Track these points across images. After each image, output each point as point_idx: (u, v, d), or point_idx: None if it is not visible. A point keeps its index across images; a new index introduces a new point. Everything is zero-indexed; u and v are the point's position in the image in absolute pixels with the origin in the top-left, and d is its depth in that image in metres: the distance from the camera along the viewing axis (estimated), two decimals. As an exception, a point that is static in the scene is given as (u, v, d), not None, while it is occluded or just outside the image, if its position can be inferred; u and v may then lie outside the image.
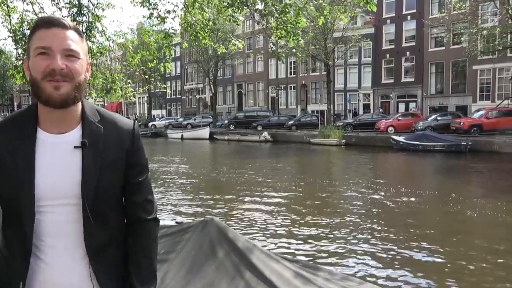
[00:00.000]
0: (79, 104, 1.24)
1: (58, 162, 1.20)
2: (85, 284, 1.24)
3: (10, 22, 6.26)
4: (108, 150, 1.24)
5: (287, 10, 5.52)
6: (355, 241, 6.88)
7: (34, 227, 1.18)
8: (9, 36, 6.39)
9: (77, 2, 6.32)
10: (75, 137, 1.22)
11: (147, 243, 1.34)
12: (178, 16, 6.33)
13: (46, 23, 1.17)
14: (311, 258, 6.01)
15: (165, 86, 41.14)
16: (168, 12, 6.25)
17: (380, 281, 5.26)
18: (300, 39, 5.75)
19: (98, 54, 6.73)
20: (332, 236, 7.22)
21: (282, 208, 9.38)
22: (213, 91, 42.33)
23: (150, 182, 1.39)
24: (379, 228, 7.70)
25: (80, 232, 1.22)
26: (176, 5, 6.27)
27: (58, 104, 1.16)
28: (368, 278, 5.29)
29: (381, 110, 33.59)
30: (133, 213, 1.34)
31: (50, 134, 1.21)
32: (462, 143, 20.44)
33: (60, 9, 6.43)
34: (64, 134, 1.22)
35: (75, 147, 1.20)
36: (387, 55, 34.50)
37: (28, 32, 6.41)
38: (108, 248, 1.27)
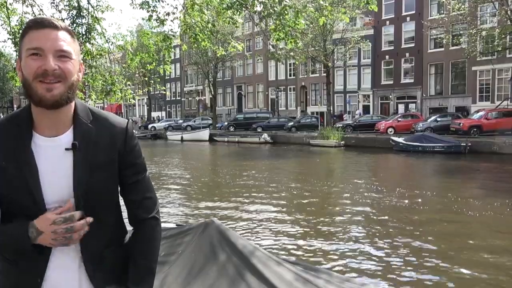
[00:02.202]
0: (72, 104, 1.23)
1: (52, 166, 1.19)
2: (86, 286, 1.23)
3: (9, 24, 6.27)
4: (100, 150, 1.23)
5: (286, 12, 5.52)
6: (356, 243, 6.87)
7: None
8: (8, 38, 6.40)
9: (76, 5, 6.33)
10: (67, 140, 1.21)
11: (147, 242, 1.33)
12: (177, 18, 6.34)
13: (37, 24, 1.16)
14: (312, 260, 6.00)
15: (164, 88, 41.19)
16: (168, 14, 6.26)
17: (381, 283, 5.26)
18: (298, 41, 5.76)
19: (98, 56, 6.74)
20: (333, 237, 7.21)
21: (282, 210, 9.36)
22: (212, 93, 42.34)
23: (150, 180, 1.38)
24: (380, 229, 7.69)
25: None
26: (176, 7, 6.28)
27: (50, 105, 1.15)
28: (369, 280, 5.28)
29: (359, 111, 34.21)
30: (132, 211, 1.33)
31: (44, 137, 1.21)
32: (462, 144, 20.45)
33: (60, 11, 6.45)
34: (57, 137, 1.21)
35: (66, 149, 1.20)
36: (387, 57, 34.54)
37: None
38: (104, 250, 1.26)
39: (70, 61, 1.18)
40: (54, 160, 1.19)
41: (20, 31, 6.48)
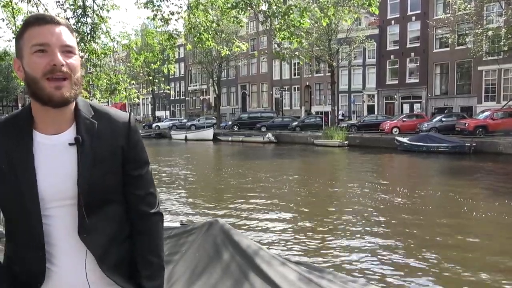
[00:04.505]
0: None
1: (56, 163, 1.18)
2: (93, 284, 1.23)
3: (14, 24, 6.29)
4: (103, 144, 1.22)
5: (291, 11, 5.52)
6: (360, 243, 6.85)
7: (44, 232, 1.17)
8: (13, 38, 6.42)
9: (81, 4, 6.35)
10: (70, 136, 1.20)
11: (153, 238, 1.33)
12: (182, 17, 6.34)
13: (39, 20, 1.14)
14: (316, 260, 5.99)
15: (168, 87, 41.20)
16: (172, 13, 6.26)
17: (384, 283, 5.24)
18: (303, 41, 5.75)
19: (102, 55, 6.75)
20: (336, 238, 7.20)
21: (286, 210, 9.36)
22: (217, 92, 42.37)
23: (152, 175, 1.36)
24: (383, 230, 7.67)
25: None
26: (180, 7, 6.27)
27: (60, 103, 1.14)
28: (373, 280, 5.26)
29: (341, 112, 34.46)
30: (136, 207, 1.31)
31: (46, 135, 1.19)
32: (466, 144, 20.34)
33: (65, 11, 6.46)
34: (60, 134, 1.20)
35: (69, 144, 1.18)
36: (392, 56, 34.41)
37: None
38: (112, 246, 1.25)
39: (74, 56, 1.17)
40: (56, 157, 1.18)
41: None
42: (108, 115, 1.27)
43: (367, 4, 5.98)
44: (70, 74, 1.14)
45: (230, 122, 39.26)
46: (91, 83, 7.04)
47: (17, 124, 1.20)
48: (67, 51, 1.15)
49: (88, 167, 1.19)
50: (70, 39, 1.16)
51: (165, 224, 1.42)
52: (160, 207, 1.38)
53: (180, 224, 4.12)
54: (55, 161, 1.18)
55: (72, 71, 1.15)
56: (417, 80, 33.10)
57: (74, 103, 1.22)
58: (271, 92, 43.96)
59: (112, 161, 1.24)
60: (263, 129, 33.58)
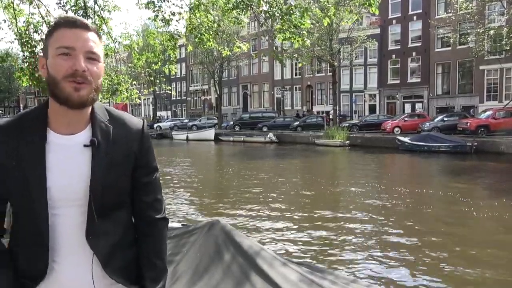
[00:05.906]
0: None
1: (69, 163, 1.19)
2: (99, 285, 1.23)
3: (16, 25, 6.30)
4: (117, 149, 1.24)
5: (291, 11, 5.51)
6: (362, 244, 6.85)
7: (50, 231, 1.18)
8: (15, 39, 6.43)
9: (83, 5, 6.35)
10: (85, 137, 1.21)
11: (159, 242, 1.35)
12: (183, 18, 6.35)
13: (69, 22, 1.15)
14: (318, 261, 5.98)
15: (170, 88, 41.24)
16: (173, 14, 6.26)
17: (386, 284, 5.23)
18: (305, 39, 5.74)
19: (104, 56, 6.75)
20: (338, 238, 7.19)
21: (288, 210, 9.35)
22: (218, 93, 42.39)
23: (159, 181, 1.39)
24: (385, 230, 7.65)
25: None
26: (181, 7, 6.28)
27: (77, 105, 1.15)
28: (375, 281, 5.25)
29: (320, 117, 34.40)
30: (143, 212, 1.33)
31: (61, 135, 1.20)
32: (467, 143, 20.30)
33: (66, 12, 6.46)
34: (75, 134, 1.21)
35: (84, 145, 1.20)
36: (393, 56, 34.39)
37: (34, 35, 6.45)
38: (118, 249, 1.26)
39: (98, 64, 1.18)
40: (70, 157, 1.19)
41: (27, 32, 6.49)
42: (123, 120, 1.29)
43: (367, 4, 5.97)
44: (90, 80, 1.15)
45: (231, 122, 39.26)
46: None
47: (29, 122, 1.20)
48: (92, 58, 1.16)
49: (102, 169, 1.20)
50: (97, 47, 1.18)
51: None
52: (166, 212, 1.40)
53: (182, 225, 4.13)
54: (68, 161, 1.19)
55: (93, 78, 1.16)
56: (418, 80, 33.07)
57: (90, 106, 1.24)
58: (272, 92, 43.96)
59: (126, 165, 1.26)
60: (265, 129, 33.59)
